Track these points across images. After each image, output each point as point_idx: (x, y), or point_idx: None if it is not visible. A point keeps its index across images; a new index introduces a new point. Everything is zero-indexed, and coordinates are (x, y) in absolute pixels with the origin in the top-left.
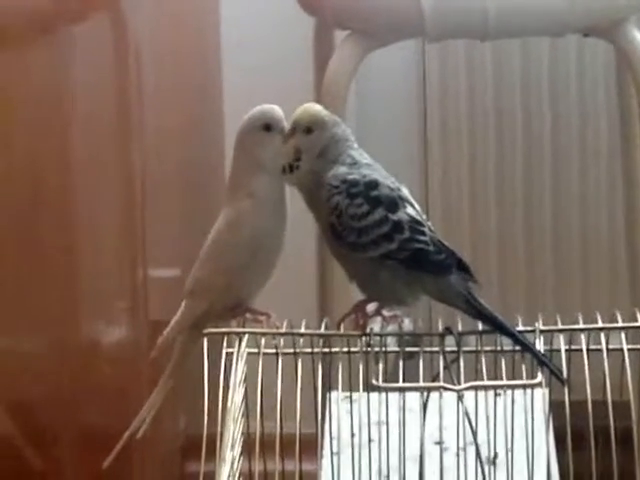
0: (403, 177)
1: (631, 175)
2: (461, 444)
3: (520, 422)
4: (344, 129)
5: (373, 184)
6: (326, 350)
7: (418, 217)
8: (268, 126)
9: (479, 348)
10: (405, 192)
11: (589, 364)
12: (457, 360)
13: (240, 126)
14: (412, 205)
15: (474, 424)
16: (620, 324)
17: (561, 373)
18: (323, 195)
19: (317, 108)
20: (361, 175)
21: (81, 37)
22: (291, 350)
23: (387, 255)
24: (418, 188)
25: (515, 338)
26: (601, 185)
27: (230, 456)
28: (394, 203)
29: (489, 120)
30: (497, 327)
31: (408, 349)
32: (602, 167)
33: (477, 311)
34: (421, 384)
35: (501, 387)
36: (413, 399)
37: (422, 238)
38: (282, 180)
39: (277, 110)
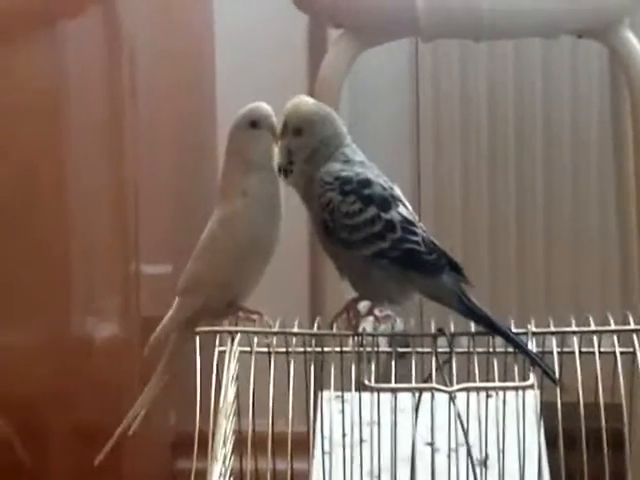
0: (395, 176)
1: (623, 178)
2: (452, 445)
3: (512, 424)
4: (336, 127)
5: (366, 182)
6: (318, 350)
7: (410, 217)
8: (255, 123)
9: (471, 349)
10: (397, 191)
11: (580, 366)
12: (449, 361)
13: (231, 125)
14: (404, 204)
15: (465, 425)
16: (613, 327)
17: (554, 373)
18: (316, 191)
19: (306, 108)
20: (354, 173)
21: (75, 34)
22: (283, 349)
23: (379, 254)
24: (410, 187)
25: (508, 338)
26: (593, 187)
27: (222, 454)
28: (386, 202)
29: (481, 120)
30: (490, 327)
31: (400, 349)
32: (594, 169)
33: (470, 310)
34: (413, 385)
35: (493, 389)
36: (405, 400)
37: (414, 238)
38: (275, 177)
39: (264, 107)
